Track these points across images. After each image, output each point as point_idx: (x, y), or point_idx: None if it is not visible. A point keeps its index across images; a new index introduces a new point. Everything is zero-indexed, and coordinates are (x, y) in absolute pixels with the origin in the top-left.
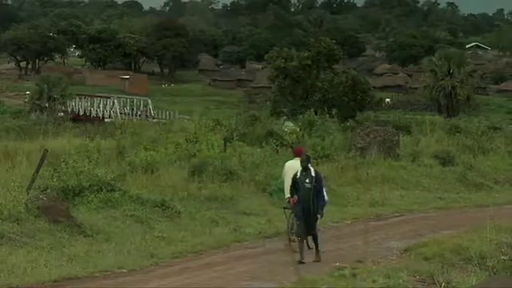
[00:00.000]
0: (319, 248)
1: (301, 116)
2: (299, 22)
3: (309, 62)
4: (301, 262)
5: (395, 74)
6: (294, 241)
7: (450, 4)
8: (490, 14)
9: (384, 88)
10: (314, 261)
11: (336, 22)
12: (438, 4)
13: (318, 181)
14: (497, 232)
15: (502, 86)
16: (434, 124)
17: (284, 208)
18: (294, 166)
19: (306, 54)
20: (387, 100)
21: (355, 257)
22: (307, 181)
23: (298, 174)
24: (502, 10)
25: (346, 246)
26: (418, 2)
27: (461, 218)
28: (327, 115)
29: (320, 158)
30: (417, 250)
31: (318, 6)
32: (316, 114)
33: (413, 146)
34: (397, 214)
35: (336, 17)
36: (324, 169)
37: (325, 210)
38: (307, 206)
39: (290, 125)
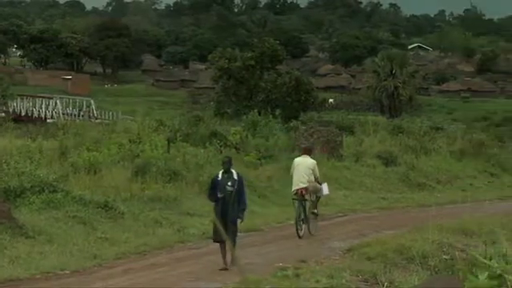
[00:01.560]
0: (235, 255)
1: (244, 116)
2: (243, 23)
3: (252, 62)
4: (224, 269)
5: (338, 74)
6: (301, 237)
7: (392, 5)
8: (432, 15)
9: (327, 88)
10: (220, 269)
11: (279, 22)
12: (381, 5)
13: (240, 184)
14: (438, 232)
15: (444, 86)
16: (376, 124)
17: (293, 199)
18: (300, 162)
19: (249, 55)
20: (330, 100)
21: (299, 257)
22: (229, 184)
23: (219, 175)
24: (443, 11)
25: (290, 246)
26: (361, 3)
27: (403, 218)
28: (271, 116)
29: (264, 159)
30: (360, 249)
31: (261, 6)
32: (260, 114)
33: (356, 147)
34: (340, 214)
35: (279, 17)
36: (268, 169)
37: (245, 214)
38: (227, 209)
39: None
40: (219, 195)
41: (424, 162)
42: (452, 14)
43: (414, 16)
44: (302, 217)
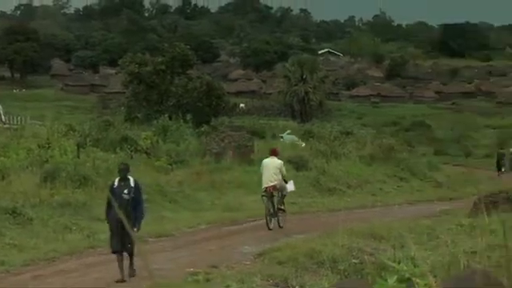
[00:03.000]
0: (134, 263)
1: (155, 121)
2: (153, 27)
3: (163, 67)
4: (121, 281)
5: (249, 79)
6: (271, 229)
7: (302, 10)
8: (342, 21)
9: (238, 93)
10: (117, 281)
11: (190, 27)
12: (291, 10)
13: (137, 192)
14: (348, 236)
15: (354, 91)
16: (287, 129)
17: (262, 196)
18: (268, 163)
19: (160, 60)
20: (242, 105)
21: (210, 262)
22: (125, 191)
23: (116, 183)
24: (353, 16)
25: (201, 251)
26: (272, 8)
27: (314, 223)
28: (182, 120)
29: (175, 164)
30: (271, 254)
31: (171, 11)
32: (171, 119)
33: (267, 151)
34: (251, 219)
35: (190, 22)
36: (179, 174)
37: (142, 223)
38: (123, 218)
39: (290, 137)
40: (115, 203)
41: (334, 167)
42: (361, 19)
43: (324, 21)
44: (272, 211)
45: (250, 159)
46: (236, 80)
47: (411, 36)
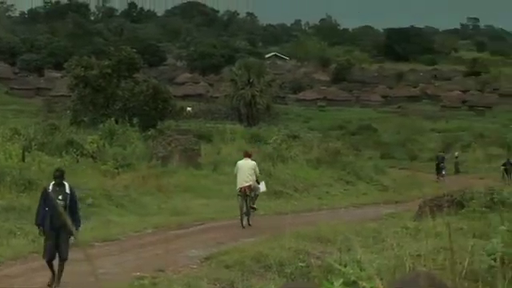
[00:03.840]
0: (61, 275)
1: (101, 125)
2: (99, 31)
3: (109, 70)
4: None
5: (196, 83)
6: (244, 227)
7: (249, 14)
8: (289, 25)
9: (185, 97)
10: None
11: (136, 30)
12: (238, 14)
13: (72, 198)
14: (295, 239)
15: (300, 95)
16: (234, 133)
17: (237, 195)
18: (243, 164)
19: (106, 63)
20: (188, 109)
21: (156, 266)
22: (60, 197)
23: (50, 187)
24: (299, 20)
25: (147, 256)
26: (218, 12)
27: (261, 226)
28: (128, 124)
29: (121, 168)
30: (218, 258)
31: (118, 14)
32: (117, 122)
33: (214, 155)
34: (198, 223)
35: (137, 26)
36: (125, 178)
37: (80, 230)
38: (58, 225)
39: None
40: (48, 209)
41: (281, 170)
42: (308, 23)
43: (270, 25)
44: (245, 210)
45: (196, 163)
46: (183, 83)
47: (357, 40)
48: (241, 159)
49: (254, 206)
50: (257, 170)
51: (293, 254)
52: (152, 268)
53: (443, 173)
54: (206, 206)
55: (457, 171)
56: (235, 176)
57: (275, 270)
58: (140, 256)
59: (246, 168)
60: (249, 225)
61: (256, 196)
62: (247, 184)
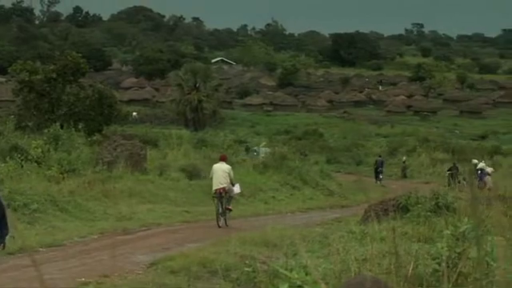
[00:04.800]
0: None
1: (46, 130)
2: (44, 35)
3: (54, 75)
4: None
5: (142, 87)
6: (221, 226)
7: (195, 19)
8: (235, 30)
9: (131, 102)
10: None
11: (82, 35)
12: (184, 19)
13: (0, 205)
14: (241, 244)
15: (247, 100)
16: (181, 138)
17: (213, 197)
18: (218, 167)
19: (51, 68)
20: (134, 114)
21: (102, 271)
22: None
23: None
24: (245, 25)
25: (93, 261)
26: (164, 17)
27: (207, 231)
28: (74, 129)
29: (67, 173)
30: (164, 263)
31: (63, 19)
32: (62, 127)
33: (160, 160)
34: (144, 228)
35: (82, 30)
36: (70, 183)
37: (8, 239)
38: None
39: (265, 150)
40: None
41: None
42: (254, 28)
43: (216, 30)
44: (220, 211)
45: (142, 168)
46: (129, 88)
47: (303, 45)
48: (193, 163)
49: (230, 207)
50: (231, 173)
51: (239, 258)
52: (97, 274)
53: (380, 177)
54: (152, 211)
55: (404, 176)
56: (211, 179)
57: (221, 275)
58: (85, 262)
59: (221, 171)
60: (226, 225)
61: (231, 198)
62: (222, 186)
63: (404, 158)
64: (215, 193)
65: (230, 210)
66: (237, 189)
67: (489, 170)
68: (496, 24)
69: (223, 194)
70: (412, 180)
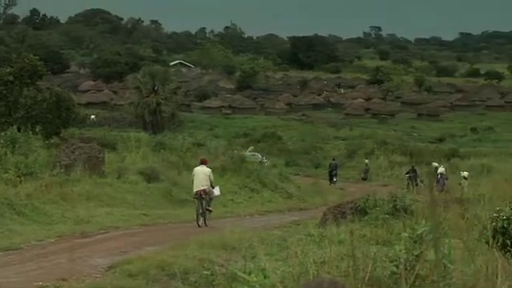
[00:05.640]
0: None
1: (3, 133)
2: (1, 38)
3: (11, 78)
4: None
5: (100, 90)
6: (200, 226)
7: (153, 22)
8: (193, 33)
9: (89, 104)
10: None
11: (39, 37)
12: (142, 21)
13: None
14: (200, 247)
15: (206, 103)
16: (139, 141)
17: (194, 198)
18: (199, 170)
19: (8, 70)
20: (92, 117)
21: (59, 275)
22: None
23: None
24: (204, 28)
25: (50, 265)
26: (122, 19)
27: (166, 234)
28: (31, 132)
29: (24, 176)
30: (122, 266)
31: (20, 21)
32: (19, 130)
33: (118, 163)
34: (102, 231)
35: (39, 32)
36: (27, 187)
37: None
38: None
39: (251, 155)
40: None
41: (186, 178)
42: (212, 31)
43: (175, 33)
44: (201, 211)
45: (100, 171)
46: (86, 91)
47: (262, 48)
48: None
49: (210, 208)
50: (211, 176)
51: (197, 262)
52: (55, 277)
53: (334, 180)
54: (110, 214)
55: (365, 178)
56: (192, 181)
57: (179, 279)
58: (43, 265)
59: (202, 174)
60: (205, 225)
61: (211, 199)
62: (202, 188)
63: (366, 161)
64: (196, 194)
65: (210, 210)
66: (216, 191)
67: (465, 173)
68: (453, 27)
69: (203, 196)
70: (370, 183)
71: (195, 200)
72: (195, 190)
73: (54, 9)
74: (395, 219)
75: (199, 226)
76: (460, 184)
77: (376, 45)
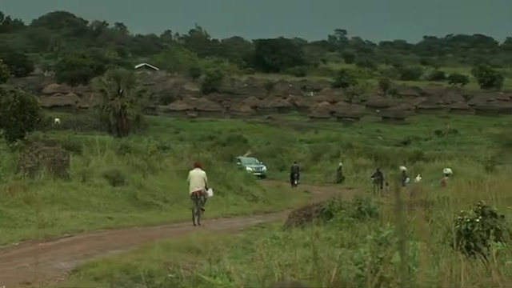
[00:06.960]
0: None
1: None
2: None
3: None
4: None
5: (65, 93)
6: (196, 225)
7: (119, 24)
8: (158, 36)
9: (54, 107)
10: None
11: (3, 40)
12: (107, 24)
13: None
14: (165, 250)
15: (171, 106)
16: (104, 144)
17: (191, 199)
18: (195, 173)
19: None
20: (57, 120)
21: (23, 279)
22: None
23: None
24: (169, 31)
25: (14, 269)
26: (87, 22)
27: (131, 238)
28: None
29: None
30: (86, 270)
31: None
32: None
33: (83, 166)
34: (66, 235)
35: (3, 35)
36: None
37: None
38: None
39: (249, 160)
40: None
41: (151, 182)
42: (178, 34)
43: (140, 36)
44: (196, 211)
45: (65, 174)
46: (51, 94)
47: (227, 51)
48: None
49: (203, 207)
50: (206, 178)
51: (162, 265)
52: (19, 281)
53: (296, 182)
54: (75, 217)
55: (339, 181)
56: (188, 183)
57: (144, 282)
58: (6, 269)
59: (198, 176)
60: (199, 224)
61: (205, 200)
62: (198, 189)
63: (340, 163)
64: (192, 195)
65: (203, 210)
66: (210, 192)
67: (448, 170)
68: (417, 31)
69: (199, 196)
70: (336, 185)
71: (191, 200)
72: (191, 191)
73: (18, 11)
74: (360, 222)
75: (194, 224)
76: (443, 182)
77: (341, 48)
